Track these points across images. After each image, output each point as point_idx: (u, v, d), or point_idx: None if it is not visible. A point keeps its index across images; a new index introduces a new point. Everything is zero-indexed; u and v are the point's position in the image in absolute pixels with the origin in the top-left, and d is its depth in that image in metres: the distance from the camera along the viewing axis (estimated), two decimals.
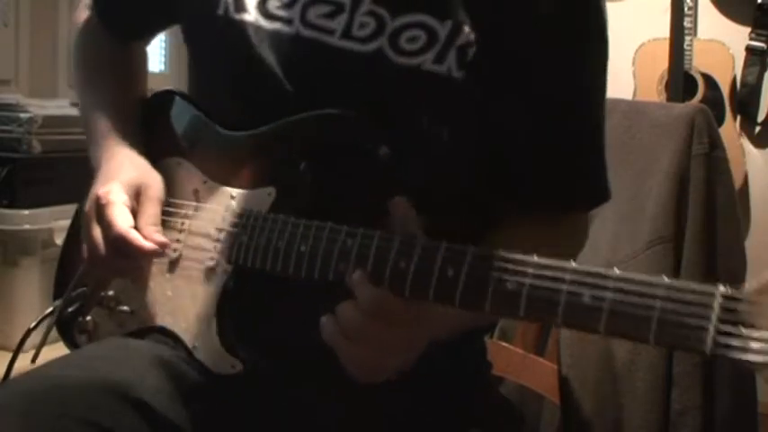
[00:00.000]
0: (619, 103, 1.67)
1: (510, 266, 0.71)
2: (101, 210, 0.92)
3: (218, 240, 0.93)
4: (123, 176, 0.95)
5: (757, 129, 2.86)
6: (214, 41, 1.00)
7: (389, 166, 0.87)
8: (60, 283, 1.11)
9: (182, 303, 0.94)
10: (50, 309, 1.04)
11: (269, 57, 0.95)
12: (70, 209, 1.66)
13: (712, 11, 2.89)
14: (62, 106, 1.98)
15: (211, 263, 0.93)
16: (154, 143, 1.04)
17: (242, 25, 0.96)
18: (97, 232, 0.92)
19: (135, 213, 0.94)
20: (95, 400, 0.83)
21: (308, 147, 0.90)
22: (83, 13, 1.17)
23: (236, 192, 0.94)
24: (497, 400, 0.98)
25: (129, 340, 0.97)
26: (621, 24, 3.05)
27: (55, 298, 1.08)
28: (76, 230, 1.11)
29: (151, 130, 1.06)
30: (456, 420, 0.93)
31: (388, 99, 0.91)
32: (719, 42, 2.82)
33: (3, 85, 2.14)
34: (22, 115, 1.74)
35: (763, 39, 2.80)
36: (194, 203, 0.97)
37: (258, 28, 0.96)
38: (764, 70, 2.82)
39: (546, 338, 1.62)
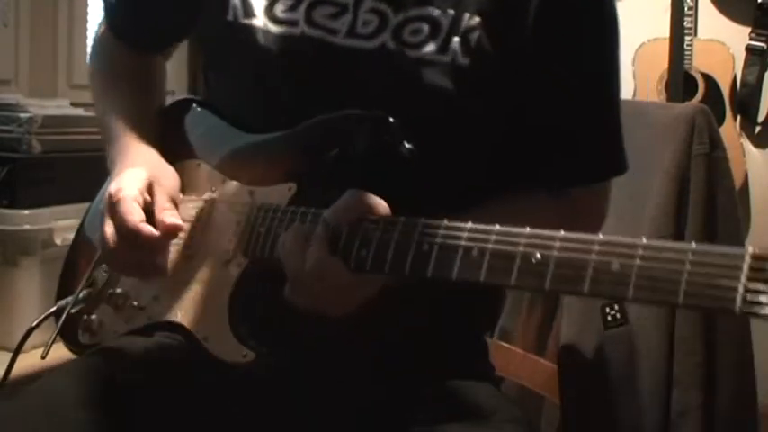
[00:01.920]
0: None
1: (536, 241, 0.72)
2: (112, 207, 0.91)
3: (234, 234, 0.94)
4: (134, 172, 0.95)
5: (757, 129, 2.86)
6: (225, 46, 1.02)
7: (411, 161, 0.87)
8: (64, 284, 1.11)
9: (194, 296, 0.95)
10: (53, 308, 1.04)
11: (277, 59, 0.97)
12: (70, 209, 1.68)
13: (712, 11, 2.89)
14: (62, 106, 1.98)
15: (227, 256, 0.93)
16: (173, 147, 1.04)
17: (250, 30, 0.98)
18: (110, 229, 0.91)
19: (148, 205, 0.93)
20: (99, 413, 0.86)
21: (330, 144, 0.91)
22: (104, 25, 1.19)
23: (255, 188, 0.95)
24: (500, 401, 0.98)
25: (138, 339, 0.98)
26: (621, 24, 3.05)
27: (58, 298, 1.08)
28: (83, 232, 1.12)
29: (170, 136, 1.07)
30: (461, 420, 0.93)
31: (394, 93, 0.93)
32: (719, 42, 2.82)
33: (3, 85, 2.14)
34: (22, 115, 1.74)
35: (763, 39, 2.80)
36: (211, 200, 0.98)
37: (266, 32, 0.97)
38: (764, 70, 2.82)
39: (546, 338, 1.62)
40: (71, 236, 1.18)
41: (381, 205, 0.82)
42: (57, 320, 1.04)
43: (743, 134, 2.84)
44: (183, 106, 1.09)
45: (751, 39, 2.81)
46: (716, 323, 1.51)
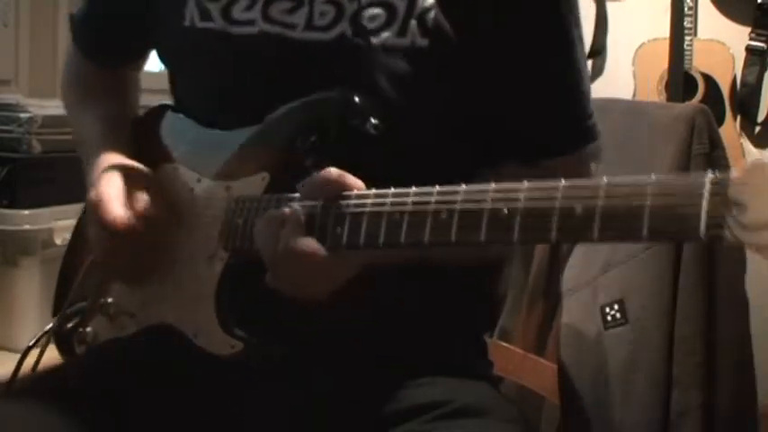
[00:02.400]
0: (618, 103, 1.67)
1: (502, 195, 0.73)
2: (95, 210, 0.95)
3: (214, 230, 0.95)
4: (109, 177, 0.98)
5: (757, 129, 2.86)
6: (185, 52, 1.03)
7: (379, 136, 0.88)
8: (60, 298, 1.12)
9: (181, 296, 0.96)
10: (50, 326, 1.06)
11: (238, 60, 0.98)
12: (70, 209, 1.68)
13: (712, 11, 2.89)
14: (62, 106, 1.98)
15: (209, 252, 0.94)
16: (150, 153, 1.06)
17: (209, 33, 0.99)
18: (96, 229, 0.95)
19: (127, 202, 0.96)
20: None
21: (297, 130, 0.92)
22: (72, 44, 1.22)
23: (230, 183, 0.96)
24: (497, 401, 0.98)
25: (133, 343, 0.99)
26: (621, 24, 3.05)
27: (55, 313, 1.10)
28: (74, 245, 1.13)
29: (147, 142, 1.08)
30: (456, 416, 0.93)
31: (357, 81, 0.93)
32: (719, 42, 2.82)
33: (3, 85, 2.14)
34: (22, 115, 1.74)
35: (763, 39, 2.80)
36: (190, 201, 0.99)
37: (225, 34, 0.98)
38: (764, 70, 2.82)
39: (546, 338, 1.62)
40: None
41: (354, 182, 0.83)
42: (55, 336, 1.06)
43: (743, 134, 2.84)
44: (158, 112, 1.10)
45: (751, 39, 2.81)
46: (716, 323, 1.51)
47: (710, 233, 0.62)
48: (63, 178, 1.76)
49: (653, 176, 0.65)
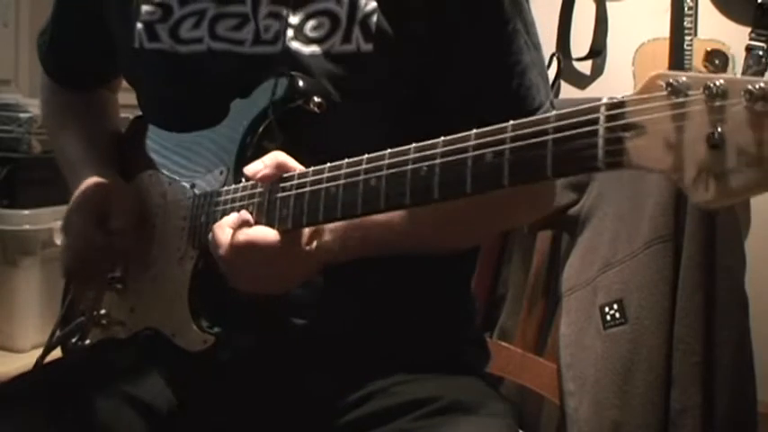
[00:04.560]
0: None
1: (421, 154, 0.74)
2: (69, 226, 1.03)
3: (182, 229, 0.98)
4: (87, 199, 1.04)
5: None
6: (138, 72, 1.06)
7: (324, 113, 0.91)
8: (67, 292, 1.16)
9: (161, 299, 0.99)
10: (53, 341, 1.11)
11: (188, 78, 1.00)
12: None
13: (712, 11, 2.89)
14: None
15: (180, 253, 0.97)
16: (130, 164, 1.09)
17: (157, 53, 1.01)
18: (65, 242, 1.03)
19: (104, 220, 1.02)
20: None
21: (248, 122, 0.94)
22: (44, 72, 1.25)
23: (195, 181, 0.99)
24: (488, 396, 0.98)
25: (132, 344, 1.03)
26: (621, 24, 3.06)
27: (63, 325, 1.14)
28: None
29: (126, 154, 1.12)
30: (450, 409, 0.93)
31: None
32: (719, 42, 2.82)
33: (3, 85, 2.14)
34: (22, 115, 1.75)
35: (763, 39, 2.80)
36: (163, 205, 1.02)
37: (173, 54, 1.00)
38: (764, 70, 2.82)
39: (546, 338, 1.62)
40: None
41: (294, 165, 0.86)
42: (62, 351, 1.10)
43: None
44: (137, 125, 1.12)
45: (751, 39, 2.81)
46: (716, 323, 1.51)
47: (609, 160, 0.61)
48: (63, 178, 1.76)
49: (554, 112, 0.65)
